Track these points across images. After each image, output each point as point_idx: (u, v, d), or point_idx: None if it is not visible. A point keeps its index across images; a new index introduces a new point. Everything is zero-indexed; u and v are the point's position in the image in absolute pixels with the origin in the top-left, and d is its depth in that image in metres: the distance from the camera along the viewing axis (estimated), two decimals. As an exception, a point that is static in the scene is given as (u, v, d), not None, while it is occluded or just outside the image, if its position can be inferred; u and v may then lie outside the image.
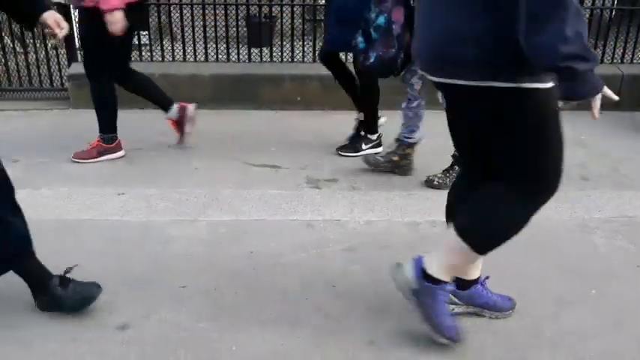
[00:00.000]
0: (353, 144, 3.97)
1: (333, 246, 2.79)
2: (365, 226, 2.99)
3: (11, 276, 2.46)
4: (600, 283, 2.51)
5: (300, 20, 5.27)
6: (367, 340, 2.12)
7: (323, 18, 5.02)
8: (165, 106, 3.94)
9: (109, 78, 3.78)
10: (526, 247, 2.80)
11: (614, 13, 5.39)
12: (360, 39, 3.19)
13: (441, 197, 3.28)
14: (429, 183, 3.47)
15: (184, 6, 5.08)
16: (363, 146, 3.92)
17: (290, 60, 5.18)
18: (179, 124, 3.96)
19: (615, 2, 5.31)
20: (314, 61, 5.15)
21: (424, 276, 1.99)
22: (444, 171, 3.48)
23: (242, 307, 2.31)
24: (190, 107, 3.94)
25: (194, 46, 5.08)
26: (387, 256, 2.70)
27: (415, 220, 3.06)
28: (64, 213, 3.08)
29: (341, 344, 2.11)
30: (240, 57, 5.17)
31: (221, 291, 2.41)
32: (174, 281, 2.47)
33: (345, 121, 4.24)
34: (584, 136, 4.20)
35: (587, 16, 5.18)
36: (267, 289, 2.43)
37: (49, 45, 4.81)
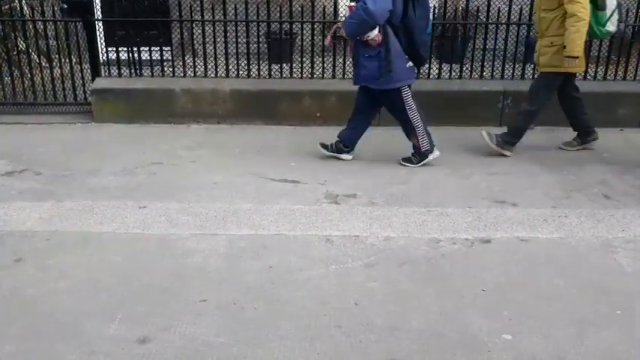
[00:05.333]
0: None
1: (352, 262, 2.78)
2: (384, 242, 2.97)
3: (26, 286, 2.50)
4: (625, 304, 2.46)
5: (320, 37, 5.30)
6: (388, 359, 2.10)
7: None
8: None
9: None
10: (549, 266, 2.76)
11: (632, 29, 5.34)
12: None
13: (461, 214, 3.29)
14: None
15: (206, 23, 5.15)
16: None
17: (310, 76, 5.21)
18: None
19: (638, 19, 5.27)
20: (333, 77, 5.18)
21: None
22: None
23: (261, 322, 2.30)
24: None
25: (215, 61, 5.14)
26: (406, 272, 2.69)
27: (435, 236, 3.03)
28: (86, 225, 3.11)
29: (361, 361, 2.09)
30: (261, 73, 5.21)
31: (240, 305, 2.41)
32: (194, 295, 2.48)
33: (363, 138, 4.24)
34: (606, 154, 4.15)
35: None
36: (287, 305, 2.42)
37: None
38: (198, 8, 5.08)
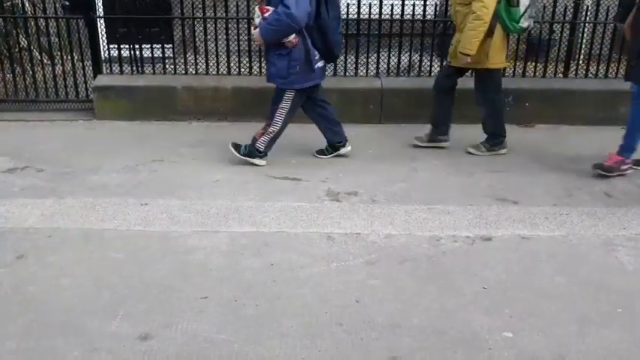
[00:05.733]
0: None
1: (354, 259, 2.78)
2: (385, 240, 2.97)
3: (27, 283, 2.51)
4: (626, 302, 2.46)
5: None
6: (389, 356, 2.10)
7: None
8: None
9: None
10: (550, 264, 2.77)
11: None
12: None
13: (463, 212, 3.29)
14: None
15: (208, 20, 5.15)
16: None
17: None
18: None
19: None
20: (335, 74, 5.18)
21: None
22: None
23: (263, 319, 2.30)
24: None
25: (217, 59, 5.14)
26: (407, 270, 2.69)
27: (436, 234, 3.03)
28: (87, 222, 3.12)
29: (363, 359, 2.09)
30: (262, 70, 5.21)
31: (242, 302, 2.42)
32: (196, 292, 2.48)
33: (365, 134, 4.25)
34: (607, 152, 4.14)
35: (610, 31, 5.14)
36: (288, 302, 2.43)
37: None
38: (200, 5, 5.08)
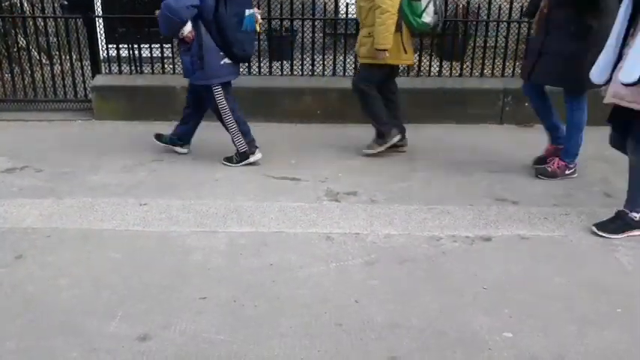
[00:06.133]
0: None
1: (353, 259, 2.78)
2: (385, 240, 2.97)
3: (26, 283, 2.50)
4: (626, 302, 2.46)
5: (320, 34, 5.29)
6: (389, 356, 2.10)
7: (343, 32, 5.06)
8: None
9: None
10: (549, 264, 2.77)
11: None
12: None
13: (462, 212, 3.28)
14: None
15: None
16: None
17: (310, 73, 5.21)
18: None
19: None
20: (334, 74, 5.18)
21: None
22: None
23: (262, 320, 2.30)
24: None
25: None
26: (407, 270, 2.69)
27: (436, 234, 3.03)
28: (86, 222, 3.11)
29: (362, 359, 2.09)
30: (261, 70, 5.21)
31: (241, 303, 2.41)
32: (194, 292, 2.48)
33: (364, 134, 4.25)
34: (607, 152, 4.13)
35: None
36: (287, 302, 2.42)
37: None
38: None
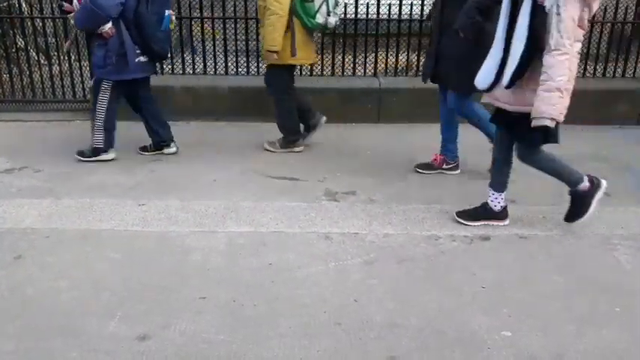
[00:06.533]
0: None
1: (352, 259, 2.78)
2: (383, 239, 2.97)
3: (25, 283, 2.50)
4: (625, 301, 2.46)
5: (319, 34, 5.29)
6: (388, 356, 2.10)
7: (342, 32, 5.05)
8: None
9: None
10: (548, 263, 2.77)
11: (631, 27, 5.34)
12: None
13: (461, 211, 3.28)
14: None
15: (205, 20, 5.14)
16: None
17: (309, 73, 5.21)
18: None
19: (637, 16, 5.27)
20: (333, 74, 5.18)
21: None
22: None
23: (261, 320, 2.30)
24: None
25: (214, 59, 5.13)
26: (405, 270, 2.69)
27: (434, 233, 3.03)
28: (85, 223, 3.11)
29: (361, 359, 2.09)
30: (260, 70, 5.20)
31: (240, 303, 2.41)
32: (194, 292, 2.48)
33: (363, 134, 4.25)
34: (605, 151, 4.16)
35: (608, 30, 5.15)
36: (286, 302, 2.43)
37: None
38: (197, 5, 5.07)
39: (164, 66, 5.20)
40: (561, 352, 2.13)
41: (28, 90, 5.17)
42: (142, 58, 3.83)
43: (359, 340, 2.19)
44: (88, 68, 5.17)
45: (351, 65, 5.21)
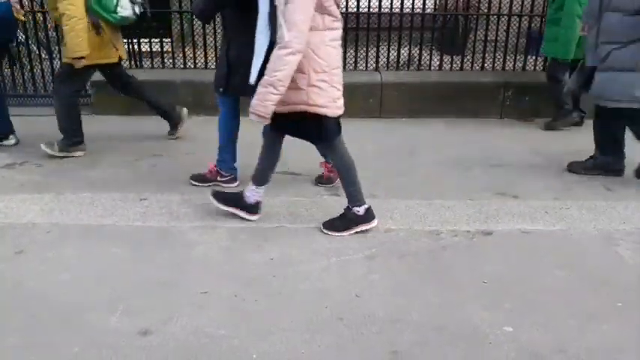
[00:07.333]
0: None
1: (354, 254, 2.78)
2: (385, 235, 2.97)
3: (27, 278, 2.50)
4: (626, 296, 2.46)
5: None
6: (390, 350, 2.10)
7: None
8: None
9: None
10: (550, 258, 2.77)
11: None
12: None
13: (462, 206, 3.28)
14: None
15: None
16: None
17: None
18: None
19: None
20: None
21: None
22: None
23: (263, 314, 2.30)
24: None
25: (215, 53, 5.12)
26: (407, 265, 2.69)
27: (436, 228, 3.03)
28: (86, 218, 3.11)
29: (363, 354, 2.09)
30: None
31: (242, 297, 2.41)
32: (195, 287, 2.48)
33: (364, 129, 4.24)
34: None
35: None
36: (288, 297, 2.43)
37: None
38: None
39: (165, 60, 5.20)
40: (563, 348, 2.13)
41: (29, 84, 5.16)
42: None
43: (361, 335, 2.19)
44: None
45: (353, 60, 5.19)
